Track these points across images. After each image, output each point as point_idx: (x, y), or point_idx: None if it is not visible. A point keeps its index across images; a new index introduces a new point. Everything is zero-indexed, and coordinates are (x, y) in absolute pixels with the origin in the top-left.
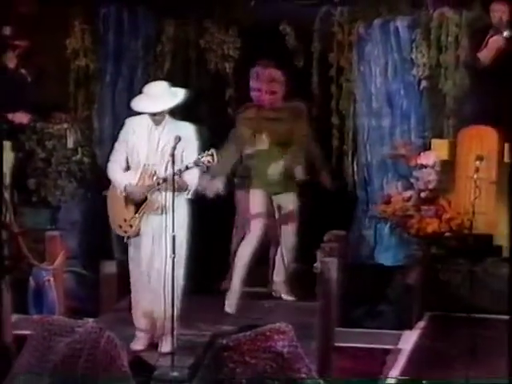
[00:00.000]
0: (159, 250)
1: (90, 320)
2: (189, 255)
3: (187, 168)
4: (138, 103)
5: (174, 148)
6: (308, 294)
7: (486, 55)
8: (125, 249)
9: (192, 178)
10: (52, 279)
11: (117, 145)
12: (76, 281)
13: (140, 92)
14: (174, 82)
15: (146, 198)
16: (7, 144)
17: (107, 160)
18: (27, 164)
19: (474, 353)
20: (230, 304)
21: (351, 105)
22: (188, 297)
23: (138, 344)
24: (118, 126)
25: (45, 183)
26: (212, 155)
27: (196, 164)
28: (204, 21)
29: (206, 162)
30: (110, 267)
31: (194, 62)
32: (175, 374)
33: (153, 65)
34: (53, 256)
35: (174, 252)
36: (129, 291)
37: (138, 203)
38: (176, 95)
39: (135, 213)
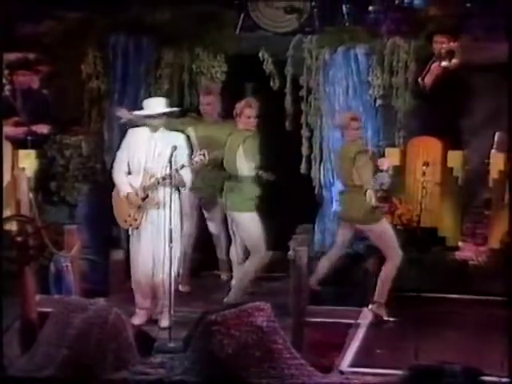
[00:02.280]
0: (158, 239)
1: (101, 299)
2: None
3: (183, 166)
4: (140, 112)
5: (171, 155)
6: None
7: (428, 79)
8: (130, 240)
9: (187, 175)
10: (69, 265)
11: (119, 153)
12: (89, 266)
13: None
14: (171, 100)
15: (147, 196)
16: (32, 152)
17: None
18: (49, 169)
19: (423, 326)
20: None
21: (319, 119)
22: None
23: (138, 319)
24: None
25: (64, 185)
26: (203, 155)
27: (190, 163)
28: (196, 48)
29: (198, 161)
30: (117, 255)
31: (187, 84)
32: (172, 345)
33: (153, 86)
34: (70, 246)
35: (171, 242)
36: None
37: (141, 201)
38: (168, 107)
39: (138, 209)
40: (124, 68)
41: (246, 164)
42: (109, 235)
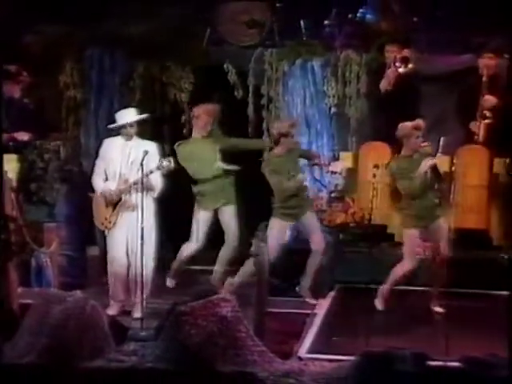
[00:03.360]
0: (132, 239)
1: (78, 292)
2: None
3: (151, 172)
4: (115, 124)
5: (143, 159)
6: None
7: (385, 84)
8: (105, 237)
9: (157, 181)
10: (49, 260)
11: (97, 161)
12: (67, 261)
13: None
14: (143, 109)
15: (120, 199)
16: (14, 157)
17: (91, 168)
18: (29, 172)
19: (373, 315)
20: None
21: None
22: (154, 273)
23: (112, 310)
24: (100, 142)
25: (43, 186)
26: (170, 161)
27: (158, 168)
28: (166, 61)
29: (165, 166)
30: (93, 251)
31: (158, 94)
32: (144, 334)
33: (126, 96)
34: (49, 242)
35: (142, 239)
36: (106, 270)
37: (115, 204)
38: (138, 115)
39: (113, 211)
40: (99, 79)
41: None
42: (85, 232)
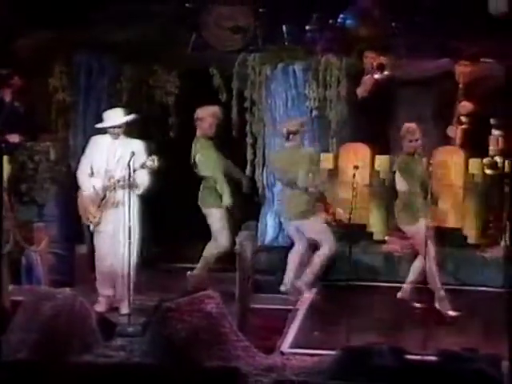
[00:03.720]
0: (117, 235)
1: (67, 289)
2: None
3: (135, 170)
4: (102, 124)
5: (130, 160)
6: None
7: (361, 91)
8: (93, 235)
9: (142, 179)
10: (39, 258)
11: (83, 158)
12: (57, 259)
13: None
14: (130, 111)
15: (105, 196)
16: (5, 158)
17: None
18: (20, 173)
19: (353, 311)
20: None
21: (261, 128)
22: (141, 271)
23: (100, 307)
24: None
25: (33, 187)
26: (153, 160)
27: (141, 167)
28: (153, 65)
29: (148, 165)
30: (82, 249)
31: (145, 96)
32: (131, 329)
33: (114, 98)
34: (39, 241)
35: (129, 238)
36: (95, 268)
37: (100, 200)
38: (125, 116)
39: (98, 207)
40: (88, 82)
41: None
42: (74, 231)
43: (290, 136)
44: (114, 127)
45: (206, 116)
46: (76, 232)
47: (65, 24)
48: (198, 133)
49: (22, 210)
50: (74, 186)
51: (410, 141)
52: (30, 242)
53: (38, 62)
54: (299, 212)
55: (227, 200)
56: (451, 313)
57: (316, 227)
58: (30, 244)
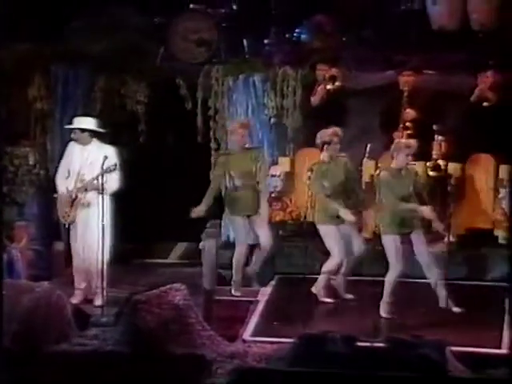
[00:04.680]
0: (89, 233)
1: (45, 283)
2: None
3: (101, 174)
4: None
5: (103, 163)
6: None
7: (315, 100)
8: (68, 233)
9: (112, 182)
10: (19, 254)
11: (61, 162)
12: (36, 255)
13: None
14: (103, 119)
15: (76, 197)
16: None
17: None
18: (1, 176)
19: (308, 301)
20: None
21: (224, 135)
22: (113, 266)
23: (76, 299)
24: (65, 148)
25: (14, 189)
26: (115, 165)
27: (105, 171)
28: (124, 76)
29: (111, 169)
30: (59, 246)
31: (116, 105)
32: (104, 320)
33: (88, 107)
34: (20, 239)
35: (102, 235)
36: (71, 263)
37: (73, 200)
38: (93, 125)
39: (71, 207)
40: (64, 92)
41: None
42: (51, 229)
43: (325, 146)
44: (80, 130)
45: (237, 128)
46: (53, 230)
47: (42, 37)
48: (231, 145)
49: (3, 210)
50: (52, 188)
51: (408, 155)
52: (11, 239)
53: (17, 73)
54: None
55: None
56: (455, 309)
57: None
58: (11, 241)
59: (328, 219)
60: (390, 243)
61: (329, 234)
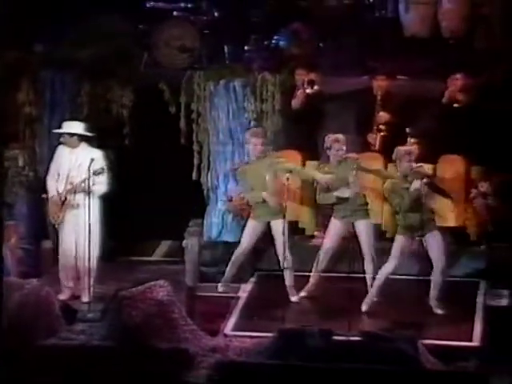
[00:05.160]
0: (78, 233)
1: (34, 280)
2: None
3: (89, 177)
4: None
5: (90, 165)
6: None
7: (294, 104)
8: (57, 232)
9: (100, 184)
10: (9, 253)
11: (51, 165)
12: (25, 254)
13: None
14: (90, 122)
15: (66, 198)
16: None
17: (45, 173)
18: None
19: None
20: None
21: (206, 137)
22: (100, 263)
23: (64, 295)
24: (53, 150)
25: (3, 190)
26: (103, 168)
27: (93, 173)
28: (109, 81)
29: (99, 172)
30: (47, 244)
31: (102, 109)
32: (91, 315)
33: (75, 111)
34: (9, 238)
35: (89, 234)
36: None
37: (62, 202)
38: (81, 129)
39: (60, 208)
40: (52, 97)
41: None
42: (40, 229)
43: (327, 152)
44: (69, 134)
45: (250, 137)
46: (42, 229)
47: (31, 44)
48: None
49: None
50: (40, 189)
51: (410, 161)
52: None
53: (7, 79)
54: None
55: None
56: (439, 310)
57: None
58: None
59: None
60: (399, 241)
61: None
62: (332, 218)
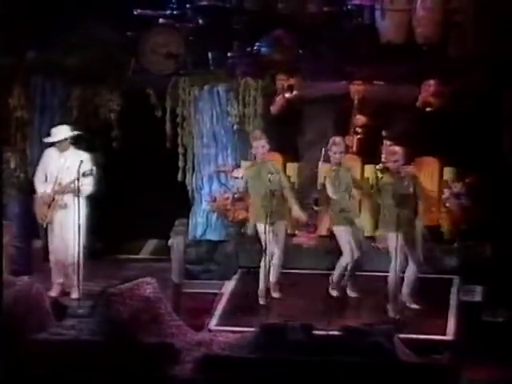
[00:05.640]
0: (66, 231)
1: (26, 277)
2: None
3: (77, 178)
4: (49, 137)
5: (79, 167)
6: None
7: (275, 108)
8: (46, 231)
9: (87, 185)
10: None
11: (39, 167)
12: (17, 252)
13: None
14: (79, 126)
15: (54, 199)
16: None
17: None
18: None
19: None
20: None
21: (191, 140)
22: (89, 262)
23: (54, 292)
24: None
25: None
26: (92, 169)
27: (82, 175)
28: (98, 86)
29: (88, 173)
30: (37, 243)
31: (91, 114)
32: (80, 311)
33: (65, 115)
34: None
35: (79, 233)
36: (49, 259)
37: (50, 202)
38: (70, 132)
39: (49, 208)
40: (42, 101)
41: None
42: (31, 228)
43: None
44: (58, 142)
45: (252, 141)
46: (32, 229)
47: (22, 51)
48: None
49: None
50: (31, 190)
51: (395, 161)
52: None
53: None
54: None
55: None
56: (413, 305)
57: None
58: None
59: (342, 221)
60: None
61: (341, 235)
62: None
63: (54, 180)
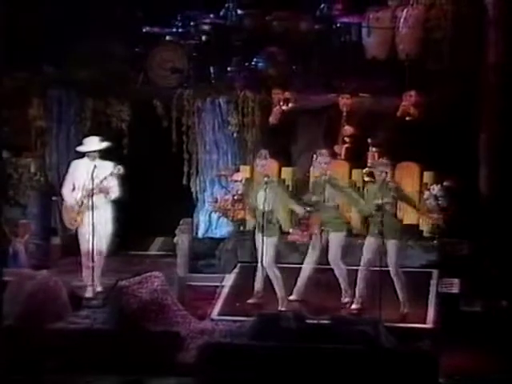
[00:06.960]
0: (94, 231)
1: (44, 271)
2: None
3: (106, 178)
4: (82, 147)
5: (105, 178)
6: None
7: (271, 119)
8: (65, 229)
9: (113, 188)
10: (23, 247)
11: (67, 176)
12: (36, 248)
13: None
14: (92, 134)
15: (82, 203)
16: None
17: (54, 179)
18: (7, 182)
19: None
20: None
21: (195, 147)
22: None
23: (89, 293)
24: (61, 159)
25: (18, 193)
26: (119, 169)
27: (110, 174)
28: (109, 97)
29: (115, 173)
30: (55, 240)
31: (104, 123)
32: (95, 302)
33: (80, 124)
34: (23, 234)
35: (105, 232)
36: (66, 255)
37: (79, 207)
38: (101, 144)
39: (78, 213)
40: (59, 112)
41: None
42: (49, 227)
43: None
44: (93, 151)
45: (256, 159)
46: (51, 227)
47: (40, 66)
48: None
49: (9, 210)
50: (50, 192)
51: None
52: (16, 234)
53: (20, 97)
54: None
55: None
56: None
57: None
58: (16, 236)
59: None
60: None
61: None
62: None
63: (82, 188)
